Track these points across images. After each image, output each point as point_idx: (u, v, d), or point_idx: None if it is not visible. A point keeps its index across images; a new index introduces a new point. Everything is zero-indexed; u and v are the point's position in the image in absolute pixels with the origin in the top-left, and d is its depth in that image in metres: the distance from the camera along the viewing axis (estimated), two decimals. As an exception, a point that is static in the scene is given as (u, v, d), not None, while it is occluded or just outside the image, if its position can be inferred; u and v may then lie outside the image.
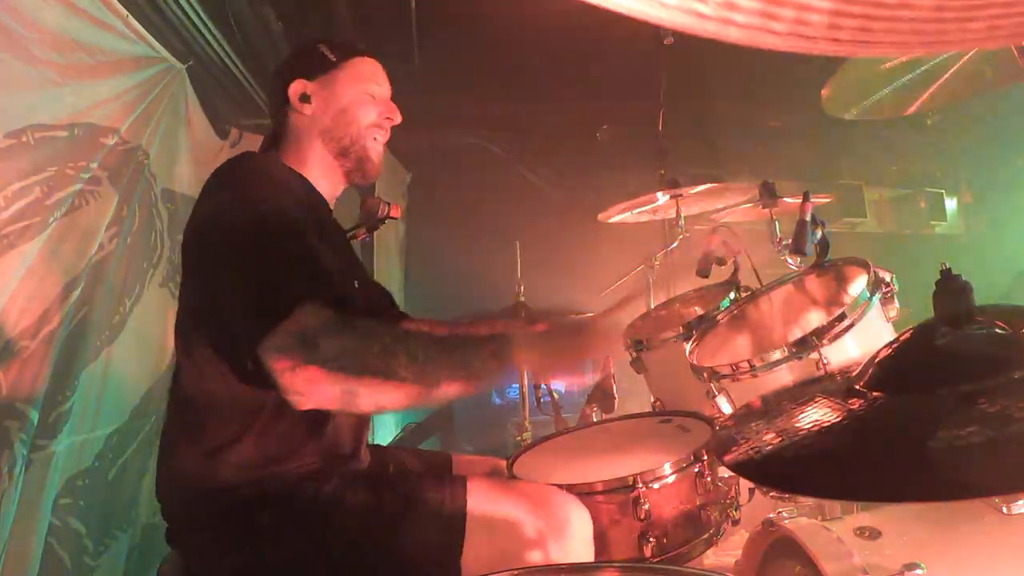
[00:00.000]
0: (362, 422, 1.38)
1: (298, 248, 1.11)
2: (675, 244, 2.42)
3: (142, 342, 2.19)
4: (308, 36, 3.36)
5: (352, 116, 1.36)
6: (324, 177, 1.37)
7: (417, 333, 1.11)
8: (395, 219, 1.61)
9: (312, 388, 0.97)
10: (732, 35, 0.48)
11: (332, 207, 1.42)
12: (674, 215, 2.38)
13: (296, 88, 1.35)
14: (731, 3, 0.46)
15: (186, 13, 2.44)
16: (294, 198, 1.22)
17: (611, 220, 2.63)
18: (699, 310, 1.91)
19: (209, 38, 2.64)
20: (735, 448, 0.81)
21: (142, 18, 2.21)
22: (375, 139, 1.40)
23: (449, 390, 1.04)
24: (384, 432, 4.41)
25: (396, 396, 1.01)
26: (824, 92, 2.13)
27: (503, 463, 1.53)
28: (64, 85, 1.84)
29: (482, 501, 1.14)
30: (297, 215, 1.17)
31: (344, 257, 1.40)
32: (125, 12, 2.07)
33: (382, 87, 1.41)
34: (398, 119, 1.43)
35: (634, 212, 2.62)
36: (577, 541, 1.14)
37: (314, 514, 1.13)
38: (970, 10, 0.48)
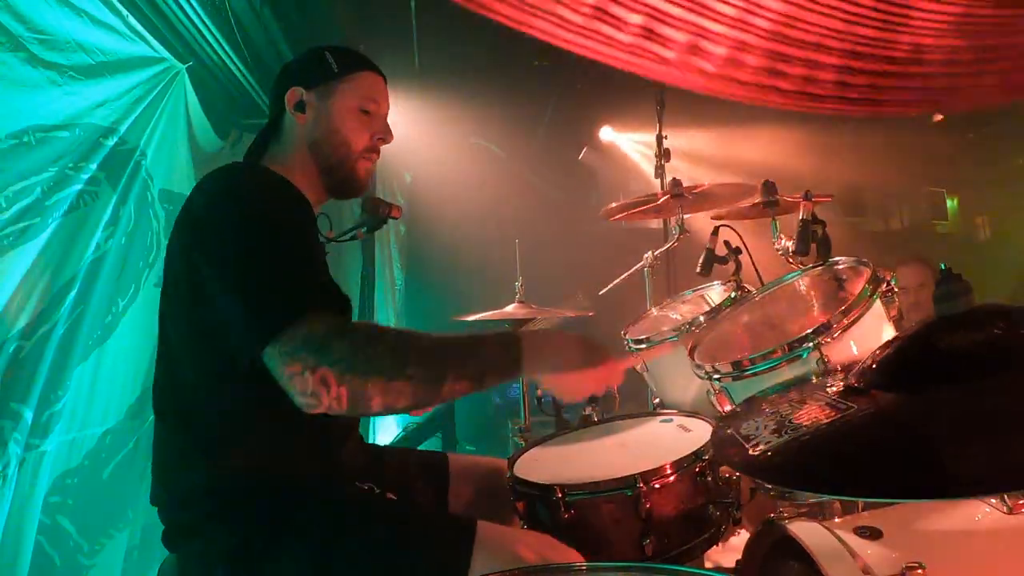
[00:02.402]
0: (353, 424, 1.38)
1: (301, 251, 1.11)
2: (675, 243, 2.41)
3: (136, 342, 2.19)
4: (308, 37, 3.37)
5: (343, 138, 1.32)
6: (308, 187, 1.32)
7: (422, 333, 1.08)
8: (395, 219, 1.60)
9: (323, 391, 0.98)
10: (738, 94, 0.48)
11: (316, 213, 1.39)
12: (674, 214, 2.38)
13: (292, 95, 1.33)
14: (735, 60, 0.46)
15: (186, 13, 2.45)
16: (292, 201, 1.20)
17: (611, 220, 2.63)
18: (699, 309, 1.91)
19: (209, 38, 2.64)
20: (736, 447, 0.81)
21: (142, 18, 2.21)
22: (366, 159, 1.36)
23: (456, 388, 1.04)
24: (385, 432, 4.41)
25: (405, 396, 1.02)
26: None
27: (501, 463, 1.52)
28: (64, 85, 1.84)
29: (487, 550, 1.10)
30: (297, 218, 1.17)
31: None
32: (125, 12, 2.07)
33: (380, 105, 1.38)
34: (390, 140, 1.39)
35: (634, 212, 2.62)
36: None
37: (307, 520, 1.12)
38: (981, 64, 0.48)
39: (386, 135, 1.38)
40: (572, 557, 1.14)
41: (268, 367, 1.00)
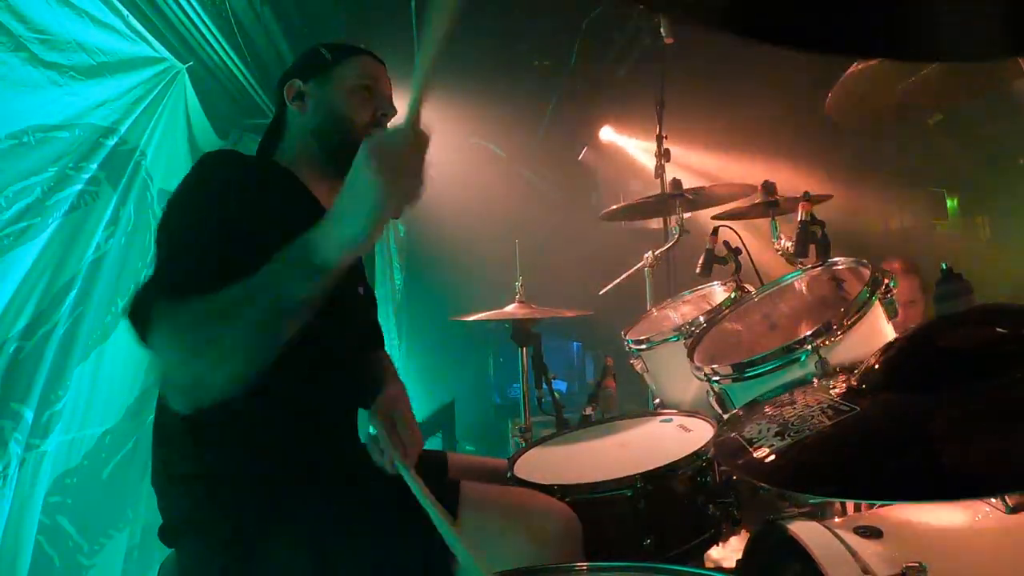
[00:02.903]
0: (350, 415, 1.38)
1: (198, 236, 1.06)
2: (675, 243, 2.42)
3: (135, 342, 2.19)
4: (308, 37, 3.37)
5: (344, 115, 1.31)
6: (317, 178, 1.32)
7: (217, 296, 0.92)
8: (395, 219, 1.60)
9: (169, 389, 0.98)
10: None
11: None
12: (674, 214, 2.38)
13: (291, 88, 1.34)
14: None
15: (186, 13, 2.45)
16: (241, 188, 1.15)
17: (611, 220, 2.63)
18: (699, 310, 1.91)
19: (209, 38, 2.64)
20: (736, 448, 0.81)
21: (142, 18, 2.21)
22: (370, 136, 1.36)
23: (277, 332, 0.91)
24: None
25: (225, 356, 0.90)
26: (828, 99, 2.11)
27: (501, 463, 1.53)
28: (65, 85, 1.84)
29: (474, 507, 1.13)
30: (220, 203, 1.11)
31: None
32: (126, 12, 2.07)
33: (379, 82, 1.37)
34: (394, 114, 1.36)
35: (634, 211, 2.62)
36: (567, 545, 1.13)
37: (305, 516, 1.13)
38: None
39: (388, 110, 1.37)
40: (558, 509, 1.15)
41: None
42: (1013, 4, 0.44)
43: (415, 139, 0.93)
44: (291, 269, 0.91)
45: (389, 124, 1.38)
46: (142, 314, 0.97)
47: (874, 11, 0.45)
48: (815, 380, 1.15)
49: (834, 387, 0.84)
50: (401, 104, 1.37)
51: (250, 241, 1.02)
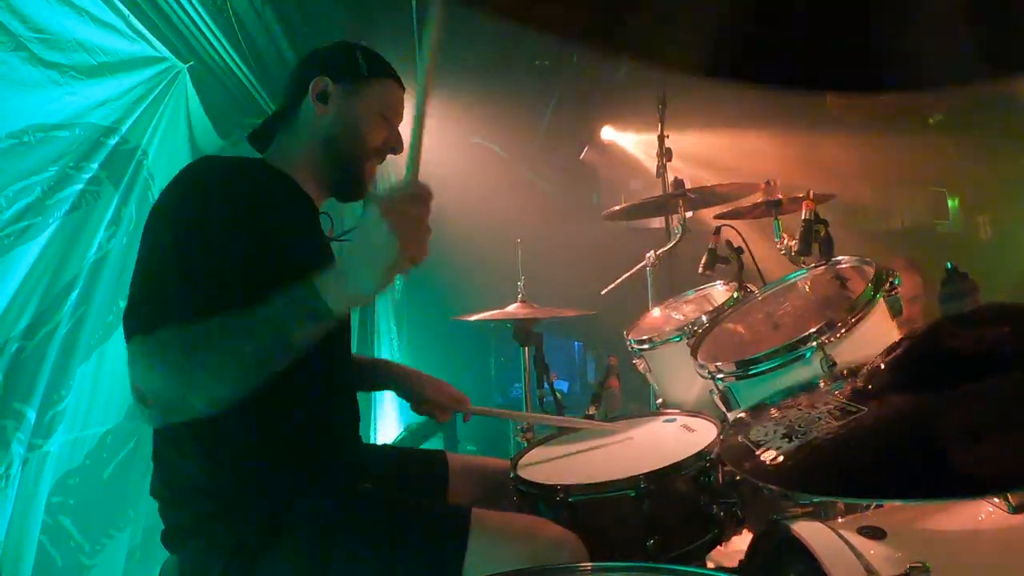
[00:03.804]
0: (353, 423, 1.37)
1: (197, 260, 1.05)
2: (677, 242, 2.41)
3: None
4: (309, 37, 3.36)
5: (361, 134, 1.32)
6: (312, 182, 1.31)
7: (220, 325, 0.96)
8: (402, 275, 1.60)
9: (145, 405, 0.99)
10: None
11: (320, 209, 1.36)
12: (676, 214, 2.38)
13: (318, 84, 1.30)
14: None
15: (187, 13, 2.45)
16: (236, 203, 1.12)
17: (613, 220, 2.63)
18: (702, 309, 1.91)
19: (211, 38, 2.64)
20: (740, 448, 0.80)
21: (143, 18, 2.21)
22: (372, 162, 1.36)
23: (263, 364, 0.95)
24: (387, 431, 4.41)
25: (218, 387, 0.95)
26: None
27: (502, 463, 1.53)
28: (65, 85, 1.84)
29: (483, 533, 1.11)
30: (226, 225, 1.08)
31: (323, 261, 1.34)
32: (126, 12, 2.07)
33: (397, 117, 1.38)
34: (401, 150, 1.37)
35: (636, 211, 2.62)
36: None
37: (308, 525, 1.12)
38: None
39: (397, 146, 1.37)
40: (566, 539, 1.14)
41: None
42: (985, 30, 0.44)
43: (420, 195, 0.98)
44: (295, 310, 0.94)
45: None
46: (139, 326, 0.99)
47: (845, 49, 0.46)
48: (821, 382, 1.14)
49: (841, 389, 0.84)
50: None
51: (262, 256, 1.06)
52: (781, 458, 0.72)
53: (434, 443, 4.27)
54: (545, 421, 1.80)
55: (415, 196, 0.97)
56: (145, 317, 1.00)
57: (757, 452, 0.75)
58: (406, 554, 1.10)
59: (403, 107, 1.39)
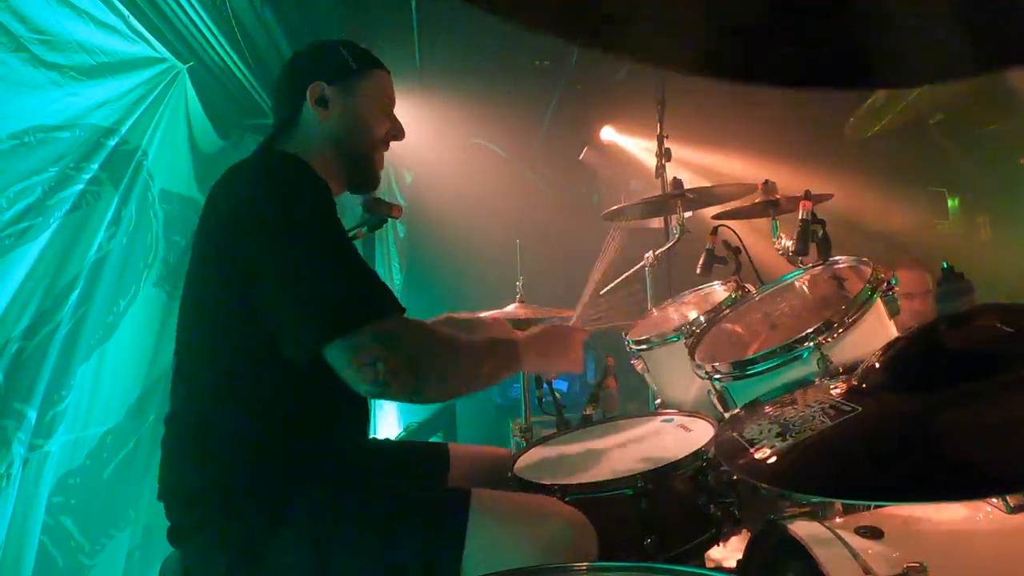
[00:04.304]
0: (361, 421, 1.38)
1: (352, 248, 1.19)
2: (675, 243, 2.41)
3: (136, 342, 2.20)
4: (309, 37, 3.37)
5: (368, 127, 1.37)
6: (328, 181, 1.31)
7: (464, 337, 1.29)
8: (395, 219, 1.61)
9: (394, 380, 1.08)
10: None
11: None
12: (675, 214, 2.38)
13: (315, 89, 1.32)
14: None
15: (187, 13, 2.45)
16: (329, 194, 1.22)
17: (612, 220, 2.62)
18: (700, 309, 1.91)
19: (210, 38, 2.64)
20: (738, 448, 0.81)
21: (143, 19, 2.21)
22: (380, 152, 1.41)
23: (487, 380, 1.25)
24: (387, 431, 4.42)
25: (451, 388, 1.22)
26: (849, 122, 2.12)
27: (503, 451, 1.53)
28: (65, 86, 1.85)
29: (484, 513, 1.12)
30: (336, 215, 1.21)
31: None
32: (126, 12, 2.07)
33: (393, 104, 1.43)
34: (402, 136, 1.44)
35: (635, 211, 2.62)
36: (580, 552, 1.12)
37: (313, 517, 1.13)
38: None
39: (398, 132, 1.43)
40: (575, 521, 1.14)
41: (331, 360, 1.09)
42: (983, 21, 0.44)
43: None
44: (510, 361, 1.31)
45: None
46: (338, 324, 1.09)
47: (844, 43, 0.46)
48: (817, 380, 1.15)
49: (836, 387, 0.84)
50: (396, 113, 1.42)
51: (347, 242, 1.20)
52: (774, 457, 0.72)
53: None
54: None
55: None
56: (340, 315, 1.09)
57: (751, 450, 0.76)
58: (406, 540, 1.10)
59: (394, 92, 1.44)
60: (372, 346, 1.07)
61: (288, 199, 1.16)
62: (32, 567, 1.71)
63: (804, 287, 1.65)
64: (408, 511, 1.14)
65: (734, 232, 2.01)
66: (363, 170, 1.40)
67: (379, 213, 1.55)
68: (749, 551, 1.16)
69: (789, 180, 2.12)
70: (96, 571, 1.99)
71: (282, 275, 1.12)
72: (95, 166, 1.97)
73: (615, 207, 2.51)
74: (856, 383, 0.79)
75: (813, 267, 1.64)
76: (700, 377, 1.43)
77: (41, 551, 1.77)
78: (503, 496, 1.21)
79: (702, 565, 1.36)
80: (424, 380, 1.14)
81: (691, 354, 1.50)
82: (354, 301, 1.11)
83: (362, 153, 1.38)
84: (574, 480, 1.30)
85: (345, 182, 1.40)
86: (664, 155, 2.84)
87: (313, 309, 1.10)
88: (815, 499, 1.24)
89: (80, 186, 1.91)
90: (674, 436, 1.51)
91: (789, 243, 1.73)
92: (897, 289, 1.33)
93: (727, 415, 1.36)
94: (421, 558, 1.09)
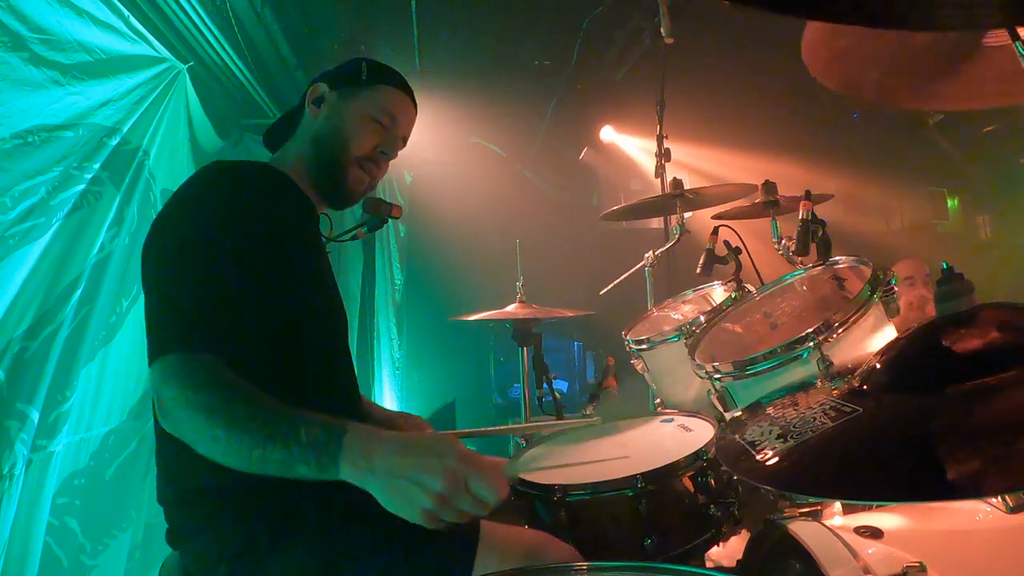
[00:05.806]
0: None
1: (208, 268, 1.06)
2: (675, 243, 2.42)
3: (138, 342, 2.20)
4: (308, 37, 3.37)
5: (343, 140, 1.31)
6: (308, 185, 1.32)
7: (258, 398, 0.97)
8: (396, 219, 1.61)
9: (163, 419, 0.99)
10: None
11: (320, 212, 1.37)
12: (675, 214, 2.38)
13: (315, 89, 1.35)
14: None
15: (187, 14, 2.45)
16: (248, 209, 1.14)
17: (611, 220, 2.63)
18: (700, 309, 1.91)
19: (210, 38, 2.64)
20: (737, 448, 0.81)
21: (143, 19, 2.22)
22: (361, 169, 1.35)
23: (264, 464, 0.93)
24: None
25: (215, 454, 0.95)
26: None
27: (502, 461, 1.53)
28: (67, 86, 1.85)
29: (492, 548, 1.12)
30: (230, 230, 1.10)
31: (321, 264, 1.33)
32: (127, 12, 2.08)
33: (396, 121, 1.37)
34: (394, 156, 1.39)
35: (635, 211, 2.62)
36: None
37: (310, 518, 1.12)
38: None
39: (390, 150, 1.37)
40: (571, 558, 1.14)
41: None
42: None
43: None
44: (313, 452, 0.93)
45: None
46: (171, 343, 0.99)
47: None
48: (818, 381, 1.15)
49: (837, 388, 0.84)
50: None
51: (267, 260, 1.09)
52: (776, 458, 0.72)
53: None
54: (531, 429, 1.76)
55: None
56: (173, 333, 1.00)
57: (752, 452, 0.76)
58: (413, 557, 1.10)
59: (403, 113, 1.39)
60: (156, 378, 0.98)
61: (185, 211, 1.15)
62: (37, 568, 1.71)
63: (804, 287, 1.65)
64: (415, 528, 1.14)
65: (734, 232, 2.01)
66: (332, 178, 1.32)
67: (379, 213, 1.55)
68: (749, 551, 1.16)
69: (789, 180, 2.12)
70: (98, 571, 1.99)
71: (146, 287, 1.11)
72: (97, 166, 1.97)
73: (615, 207, 2.52)
74: (857, 384, 0.79)
75: (813, 267, 1.64)
76: (700, 377, 1.43)
77: (46, 552, 1.77)
78: (511, 531, 1.20)
79: (702, 565, 1.36)
80: (180, 434, 0.97)
81: (691, 354, 1.50)
82: (171, 328, 1.01)
83: (333, 159, 1.31)
84: (574, 480, 1.30)
85: (317, 188, 1.34)
86: (664, 155, 2.84)
87: (152, 321, 1.06)
88: (815, 499, 1.24)
89: (82, 186, 1.91)
90: (674, 436, 1.51)
91: (789, 243, 1.73)
92: (896, 284, 1.33)
93: (727, 415, 1.37)
94: (425, 565, 1.10)
